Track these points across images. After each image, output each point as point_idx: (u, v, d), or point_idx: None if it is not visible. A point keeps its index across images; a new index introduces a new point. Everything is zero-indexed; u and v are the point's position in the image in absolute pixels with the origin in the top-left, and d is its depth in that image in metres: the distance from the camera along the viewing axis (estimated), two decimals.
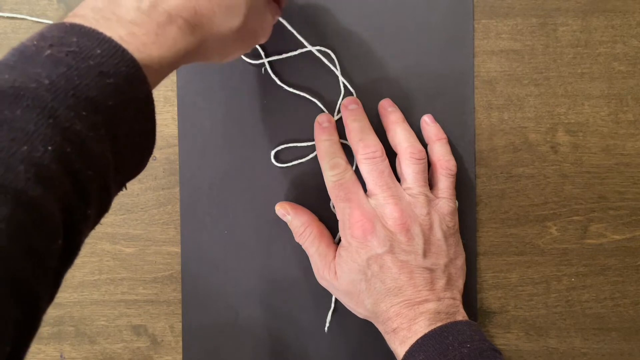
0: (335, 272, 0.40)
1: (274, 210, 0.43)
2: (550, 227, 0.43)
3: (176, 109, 0.44)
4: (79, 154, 0.23)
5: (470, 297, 0.43)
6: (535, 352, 0.44)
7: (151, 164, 0.44)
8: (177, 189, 0.44)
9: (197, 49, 0.29)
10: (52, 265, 0.23)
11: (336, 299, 0.43)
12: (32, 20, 0.44)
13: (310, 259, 0.42)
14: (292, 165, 0.44)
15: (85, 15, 0.26)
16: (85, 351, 0.44)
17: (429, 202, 0.39)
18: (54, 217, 0.23)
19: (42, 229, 0.22)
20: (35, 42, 0.25)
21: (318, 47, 0.43)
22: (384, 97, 0.43)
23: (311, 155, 0.43)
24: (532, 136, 0.43)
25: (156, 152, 0.44)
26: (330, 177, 0.40)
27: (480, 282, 0.44)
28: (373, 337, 0.42)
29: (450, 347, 0.35)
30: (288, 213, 0.42)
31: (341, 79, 0.43)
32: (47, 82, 0.23)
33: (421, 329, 0.37)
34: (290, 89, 0.43)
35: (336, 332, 0.44)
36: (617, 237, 0.43)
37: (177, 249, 0.44)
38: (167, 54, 0.27)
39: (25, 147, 0.22)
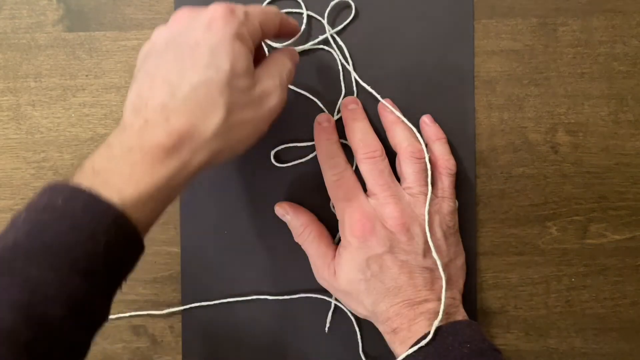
0: (335, 272, 0.40)
1: (274, 210, 0.43)
2: (550, 227, 0.43)
3: None
4: (40, 299, 0.25)
5: (470, 297, 0.43)
6: (535, 352, 0.44)
7: None
8: None
9: (186, 165, 0.30)
10: None
11: (336, 299, 0.43)
12: (32, 21, 0.44)
13: (309, 259, 0.42)
14: (292, 165, 0.44)
15: (75, 176, 0.29)
16: None
17: (429, 202, 0.39)
18: None
19: None
20: (23, 209, 0.28)
21: (320, 47, 0.43)
22: (384, 97, 0.43)
23: (311, 155, 0.43)
24: (532, 136, 0.43)
25: None
26: (330, 177, 0.40)
27: (480, 282, 0.44)
28: (373, 337, 0.42)
29: (450, 347, 0.35)
30: (287, 213, 0.42)
31: (354, 74, 0.43)
32: (10, 244, 0.26)
33: (421, 329, 0.37)
34: (291, 87, 0.43)
35: (336, 332, 0.44)
36: (617, 237, 0.43)
37: (177, 249, 0.44)
38: (144, 188, 0.29)
39: None
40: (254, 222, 0.44)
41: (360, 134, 0.40)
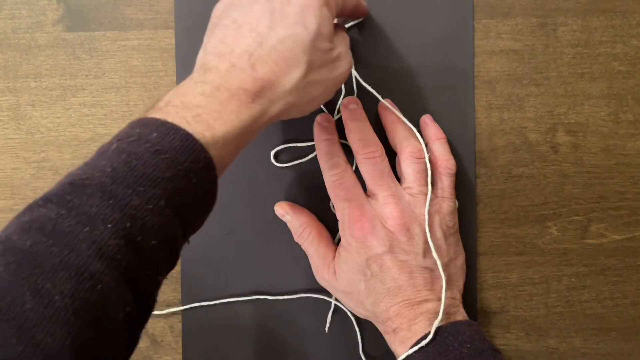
0: (335, 272, 0.40)
1: (274, 210, 0.43)
2: (550, 227, 0.43)
3: None
4: (139, 227, 0.26)
5: (470, 297, 0.43)
6: (535, 352, 0.44)
7: None
8: None
9: (265, 112, 0.31)
10: (119, 330, 0.25)
11: (336, 299, 0.43)
12: (31, 21, 0.44)
13: (309, 259, 0.42)
14: (292, 165, 0.44)
15: (160, 108, 0.29)
16: None
17: (429, 202, 0.39)
18: (118, 289, 0.25)
19: (105, 301, 0.24)
20: (110, 141, 0.28)
21: None
22: (384, 97, 0.43)
23: (311, 155, 0.43)
24: (532, 136, 0.43)
25: None
26: (330, 177, 0.40)
27: (480, 282, 0.44)
28: (373, 337, 0.42)
29: (450, 347, 0.35)
30: (287, 213, 0.42)
31: (354, 73, 0.43)
32: (109, 170, 0.26)
33: (421, 329, 0.37)
34: None
35: (336, 332, 0.44)
36: (617, 237, 0.43)
37: None
38: (231, 127, 0.29)
39: (87, 228, 0.25)
40: (254, 222, 0.44)
41: (360, 134, 0.40)
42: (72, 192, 0.26)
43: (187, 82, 0.31)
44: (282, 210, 0.42)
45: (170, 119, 0.28)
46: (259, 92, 0.31)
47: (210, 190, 0.29)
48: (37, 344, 0.22)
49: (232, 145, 0.30)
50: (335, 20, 0.40)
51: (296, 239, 0.42)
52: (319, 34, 0.32)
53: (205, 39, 0.34)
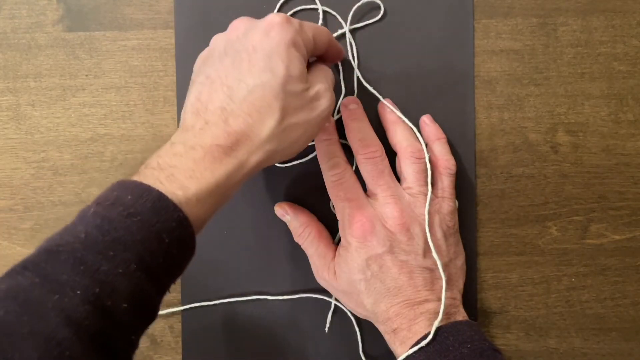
0: (335, 272, 0.40)
1: (274, 210, 0.43)
2: (550, 227, 0.43)
3: (176, 109, 0.44)
4: (109, 291, 0.26)
5: (470, 297, 0.43)
6: (535, 352, 0.44)
7: None
8: None
9: (243, 165, 0.31)
10: None
11: (336, 299, 0.43)
12: (31, 20, 0.44)
13: (309, 259, 0.42)
14: (292, 165, 0.44)
15: (140, 171, 0.30)
16: None
17: (429, 202, 0.39)
18: (86, 354, 0.25)
19: None
20: (90, 205, 0.29)
21: None
22: (384, 97, 0.43)
23: (311, 155, 0.43)
24: (532, 136, 0.43)
25: None
26: (330, 177, 0.40)
27: (480, 282, 0.44)
28: (373, 337, 0.42)
29: (450, 348, 0.35)
30: (287, 213, 0.42)
31: (357, 72, 0.43)
32: (82, 235, 0.27)
33: (421, 329, 0.37)
34: None
35: (336, 332, 0.44)
36: (617, 237, 0.43)
37: None
38: (205, 184, 0.30)
39: (57, 296, 0.25)
40: (254, 222, 0.44)
41: (360, 134, 0.40)
42: (47, 259, 0.26)
43: (166, 145, 0.32)
44: (282, 210, 0.42)
45: (145, 181, 0.29)
46: (234, 145, 0.31)
47: (185, 246, 0.30)
48: None
49: (209, 202, 0.30)
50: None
51: (296, 239, 0.42)
52: (288, 78, 0.32)
53: (187, 96, 0.34)
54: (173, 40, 0.44)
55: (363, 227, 0.38)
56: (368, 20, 0.43)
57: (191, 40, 0.44)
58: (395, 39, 0.43)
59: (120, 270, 0.27)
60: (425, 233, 0.38)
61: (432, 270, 0.38)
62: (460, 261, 0.41)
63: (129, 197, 0.28)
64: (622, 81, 0.43)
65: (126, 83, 0.44)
